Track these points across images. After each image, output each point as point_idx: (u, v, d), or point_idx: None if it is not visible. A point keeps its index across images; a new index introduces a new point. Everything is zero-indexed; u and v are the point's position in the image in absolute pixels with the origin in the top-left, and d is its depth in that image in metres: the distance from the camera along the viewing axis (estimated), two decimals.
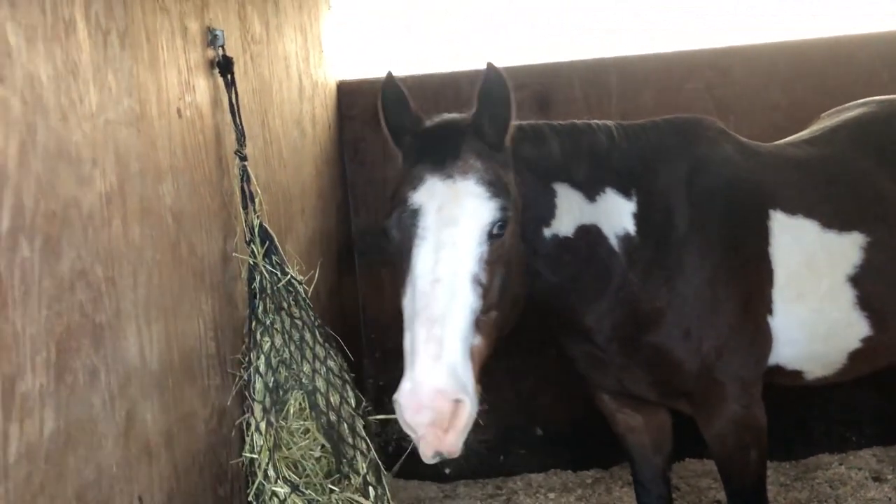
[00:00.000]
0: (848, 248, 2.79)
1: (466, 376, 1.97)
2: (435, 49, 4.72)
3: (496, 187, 2.15)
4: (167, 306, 2.03)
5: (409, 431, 1.99)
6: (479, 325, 2.05)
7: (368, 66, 4.65)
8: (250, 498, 2.41)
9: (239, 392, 2.47)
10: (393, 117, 2.34)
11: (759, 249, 2.70)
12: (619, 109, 4.47)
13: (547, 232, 2.47)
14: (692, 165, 2.70)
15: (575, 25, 4.71)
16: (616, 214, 2.59)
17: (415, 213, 2.13)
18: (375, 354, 4.62)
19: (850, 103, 3.34)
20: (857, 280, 2.77)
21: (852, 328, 2.80)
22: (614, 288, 2.58)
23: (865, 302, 2.77)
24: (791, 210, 2.76)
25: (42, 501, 1.44)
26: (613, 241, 2.58)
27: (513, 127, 2.27)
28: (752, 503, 2.88)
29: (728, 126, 3.01)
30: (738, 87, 4.47)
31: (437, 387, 1.91)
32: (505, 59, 4.62)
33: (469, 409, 1.94)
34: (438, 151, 2.19)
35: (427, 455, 2.00)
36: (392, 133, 2.35)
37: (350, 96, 4.54)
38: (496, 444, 4.64)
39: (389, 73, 2.34)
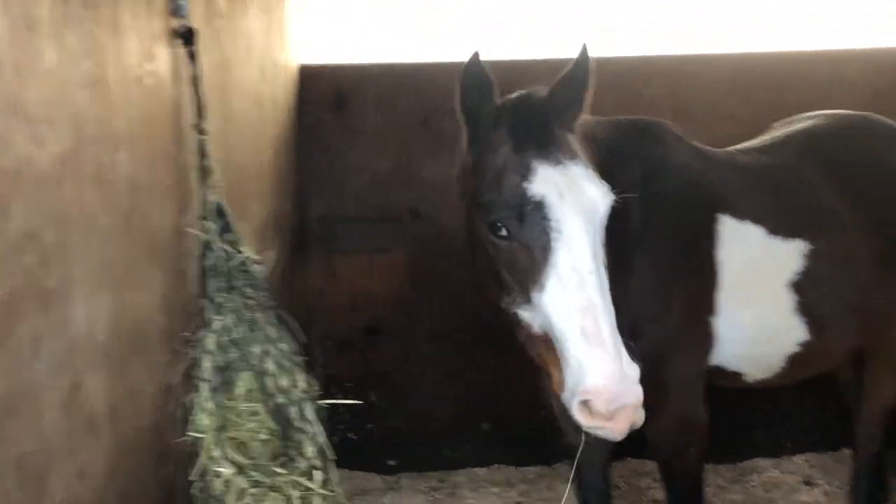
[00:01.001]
0: (791, 255, 2.86)
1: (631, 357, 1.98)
2: (401, 38, 4.70)
3: (592, 167, 2.15)
4: (118, 277, 1.98)
5: (597, 422, 1.96)
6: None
7: (331, 52, 4.61)
8: (193, 478, 2.36)
9: (187, 370, 2.42)
10: (471, 96, 2.23)
11: (708, 253, 2.76)
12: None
13: None
14: (647, 167, 2.73)
15: (545, 23, 4.73)
16: None
17: (540, 205, 2.05)
18: (327, 344, 4.58)
19: (800, 115, 3.43)
20: (797, 286, 2.85)
21: (791, 332, 2.88)
22: None
23: (804, 308, 2.85)
24: (740, 215, 2.82)
25: None
26: None
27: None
28: (689, 501, 2.94)
29: (685, 132, 3.06)
30: (697, 95, 4.55)
31: (629, 373, 1.93)
32: (466, 53, 4.65)
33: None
34: (538, 136, 2.13)
35: (618, 434, 2.00)
36: (469, 113, 2.26)
37: (312, 80, 4.49)
38: (442, 437, 4.65)
39: (476, 53, 2.21)
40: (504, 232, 2.07)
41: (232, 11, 3.09)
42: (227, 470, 2.31)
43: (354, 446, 4.57)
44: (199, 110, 2.50)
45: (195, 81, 2.47)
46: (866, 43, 4.70)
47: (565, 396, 1.97)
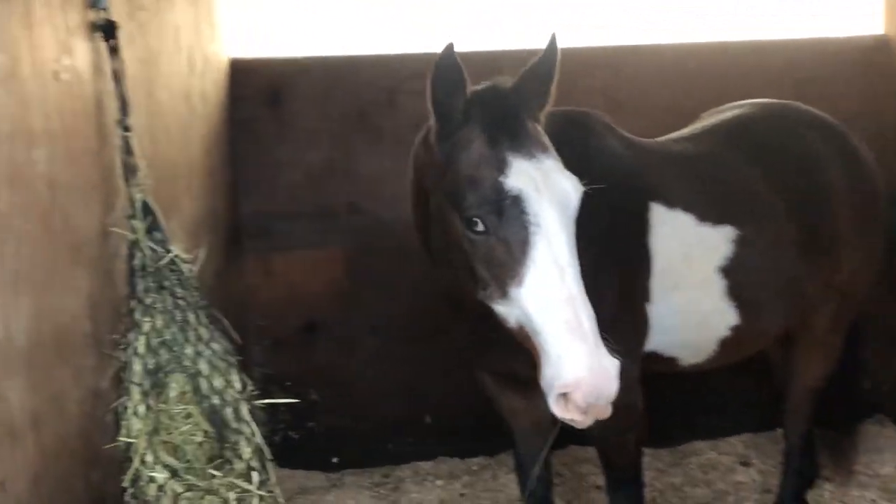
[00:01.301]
0: (720, 241, 2.93)
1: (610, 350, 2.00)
2: (338, 30, 4.64)
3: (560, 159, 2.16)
4: (38, 280, 1.90)
5: (573, 415, 1.99)
6: None
7: (262, 45, 4.53)
8: (126, 484, 2.30)
9: (116, 374, 2.36)
10: (443, 91, 2.19)
11: (640, 240, 2.81)
12: None
13: None
14: (579, 157, 2.75)
15: (483, 14, 4.73)
16: None
17: (518, 200, 2.04)
18: (264, 342, 4.51)
19: (728, 105, 3.51)
20: (727, 271, 2.92)
21: (722, 317, 2.95)
22: None
23: (734, 292, 2.93)
24: (670, 203, 2.88)
25: None
26: None
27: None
28: (630, 485, 2.99)
29: (619, 123, 3.10)
30: (630, 86, 4.61)
31: (608, 367, 1.96)
32: (403, 45, 4.63)
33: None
34: (510, 129, 2.13)
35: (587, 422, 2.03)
36: (440, 108, 2.22)
37: (243, 75, 4.40)
38: (385, 433, 4.63)
39: (450, 45, 2.18)
40: (481, 227, 2.06)
41: (157, 4, 3.01)
42: (160, 474, 2.26)
43: (296, 445, 4.52)
44: (123, 106, 2.43)
45: (117, 76, 2.39)
46: (788, 34, 4.84)
47: (543, 388, 1.98)
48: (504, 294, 2.05)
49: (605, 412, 2.01)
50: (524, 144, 2.11)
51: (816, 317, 3.31)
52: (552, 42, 2.24)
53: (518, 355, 2.75)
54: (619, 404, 2.76)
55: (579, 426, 2.04)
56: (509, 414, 3.10)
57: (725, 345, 3.02)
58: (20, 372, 1.81)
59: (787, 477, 3.62)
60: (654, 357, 2.93)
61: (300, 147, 4.46)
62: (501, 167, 2.07)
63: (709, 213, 2.93)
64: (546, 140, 2.19)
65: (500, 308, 2.09)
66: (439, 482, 4.39)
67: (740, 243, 2.95)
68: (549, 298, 1.98)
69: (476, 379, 3.10)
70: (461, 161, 2.15)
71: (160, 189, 2.83)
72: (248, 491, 2.34)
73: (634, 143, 2.99)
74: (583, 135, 2.82)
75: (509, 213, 2.03)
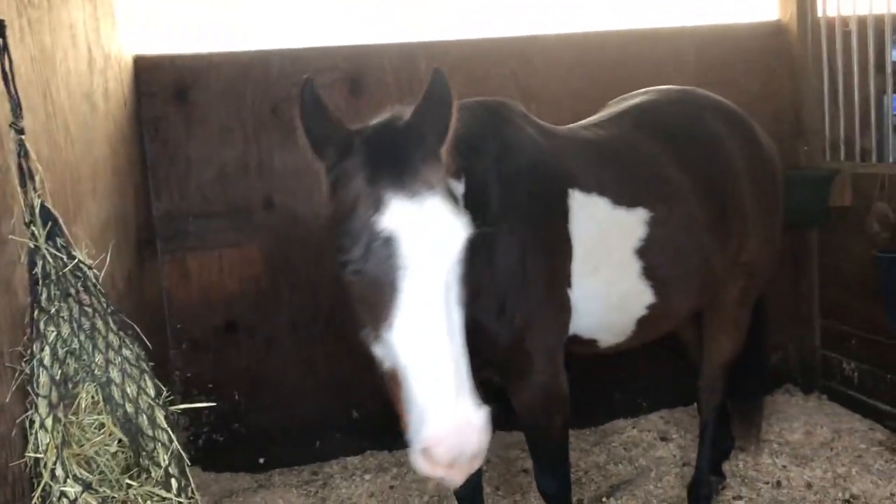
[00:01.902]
0: (634, 223, 3.01)
1: (476, 399, 1.88)
2: (246, 23, 4.55)
3: (453, 199, 2.04)
4: None
5: (438, 471, 1.85)
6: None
7: (168, 41, 4.40)
8: (35, 500, 2.21)
9: (20, 387, 2.25)
10: (314, 125, 2.14)
11: (561, 226, 2.86)
12: None
13: None
14: (500, 147, 2.79)
15: (389, 4, 4.70)
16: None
17: (389, 241, 1.94)
18: (182, 346, 4.42)
19: (633, 92, 3.61)
20: (642, 252, 3.01)
21: (639, 297, 3.04)
22: None
23: (650, 272, 3.02)
24: (587, 188, 2.94)
25: None
26: None
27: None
28: (556, 466, 3.05)
29: (530, 111, 3.13)
30: (542, 76, 4.69)
31: (472, 421, 1.83)
32: (314, 38, 4.57)
33: (481, 454, 1.87)
34: (393, 166, 2.00)
35: (458, 483, 1.91)
36: (314, 143, 2.15)
37: (149, 72, 4.28)
38: (312, 430, 4.60)
39: (308, 79, 2.14)
40: (354, 267, 1.98)
41: (49, 1, 2.88)
42: (72, 489, 2.18)
43: (221, 448, 4.46)
44: (15, 108, 2.32)
45: (6, 77, 2.28)
46: (696, 20, 4.99)
47: (408, 440, 1.90)
48: (377, 337, 1.98)
49: (473, 467, 1.89)
50: (406, 183, 1.98)
51: (725, 295, 3.44)
52: (437, 75, 2.11)
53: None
54: (545, 389, 2.83)
55: (449, 484, 1.93)
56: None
57: (643, 324, 3.10)
58: None
59: (703, 449, 3.75)
60: (576, 339, 2.99)
61: (211, 144, 4.37)
62: (377, 206, 1.97)
63: (622, 196, 3.00)
64: (438, 178, 2.05)
65: (376, 350, 2.02)
66: (368, 476, 4.40)
67: (654, 224, 3.03)
68: (413, 345, 1.89)
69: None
70: (339, 196, 2.07)
71: (62, 193, 2.73)
72: (167, 499, 2.28)
73: (549, 130, 3.03)
74: (500, 124, 2.84)
75: (380, 255, 1.95)
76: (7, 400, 2.19)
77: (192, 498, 2.41)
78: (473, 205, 2.62)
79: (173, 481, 2.36)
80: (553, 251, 2.83)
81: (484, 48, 4.68)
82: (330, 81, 4.46)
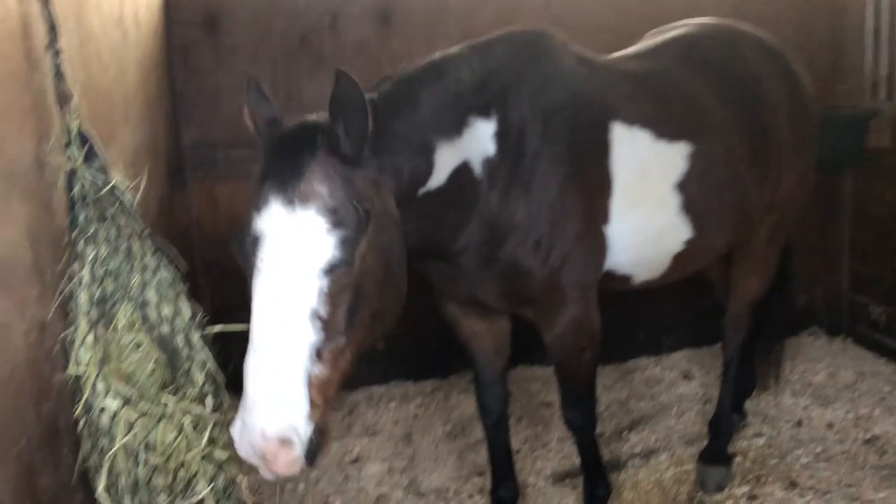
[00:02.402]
0: (675, 157, 2.96)
1: (297, 414, 1.94)
2: None
3: (339, 215, 1.99)
4: None
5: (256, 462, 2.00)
6: (321, 355, 1.98)
7: None
8: (78, 414, 2.30)
9: (61, 305, 2.32)
10: (257, 119, 2.23)
11: (601, 160, 2.80)
12: (460, 26, 4.48)
13: (421, 191, 2.39)
14: (540, 79, 2.73)
15: None
16: (481, 141, 2.56)
17: (255, 242, 2.01)
18: (212, 274, 4.48)
19: (670, 25, 3.53)
20: (682, 186, 2.96)
21: (677, 232, 3.01)
22: (478, 211, 2.60)
23: (689, 207, 2.98)
24: (628, 121, 2.87)
25: None
26: (478, 170, 2.56)
27: (370, 133, 2.08)
28: (584, 401, 3.10)
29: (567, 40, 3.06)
30: (572, 7, 4.59)
31: (263, 429, 1.91)
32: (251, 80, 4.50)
33: (296, 448, 1.93)
34: (284, 170, 2.02)
35: (267, 477, 2.02)
36: (259, 134, 2.24)
37: (178, 0, 4.25)
38: None
39: (251, 80, 2.27)
40: (237, 259, 2.12)
41: None
42: (112, 403, 2.26)
43: None
44: (51, 29, 2.33)
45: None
46: None
47: None
48: None
49: (283, 474, 1.98)
50: (287, 189, 1.99)
51: (756, 233, 3.42)
52: (341, 77, 2.00)
53: (480, 285, 2.81)
54: (577, 324, 2.85)
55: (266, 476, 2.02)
56: (471, 337, 3.17)
57: (678, 260, 3.08)
58: None
59: (725, 387, 3.79)
60: (610, 275, 2.97)
61: (240, 74, 4.35)
62: (259, 205, 2.03)
63: (664, 129, 2.94)
64: (326, 189, 2.00)
65: None
66: (393, 404, 4.50)
67: (694, 158, 2.98)
68: (251, 345, 1.99)
69: (441, 306, 3.14)
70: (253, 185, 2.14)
71: (96, 118, 2.75)
72: (201, 415, 2.35)
73: (590, 61, 2.95)
74: (539, 56, 2.77)
75: (249, 252, 2.03)
76: (49, 317, 2.25)
77: (226, 416, 2.48)
78: (509, 143, 2.62)
79: (209, 399, 2.43)
80: (592, 186, 2.78)
81: None
82: (359, 12, 4.41)
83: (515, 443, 3.64)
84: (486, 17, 4.49)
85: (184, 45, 4.29)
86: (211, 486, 2.38)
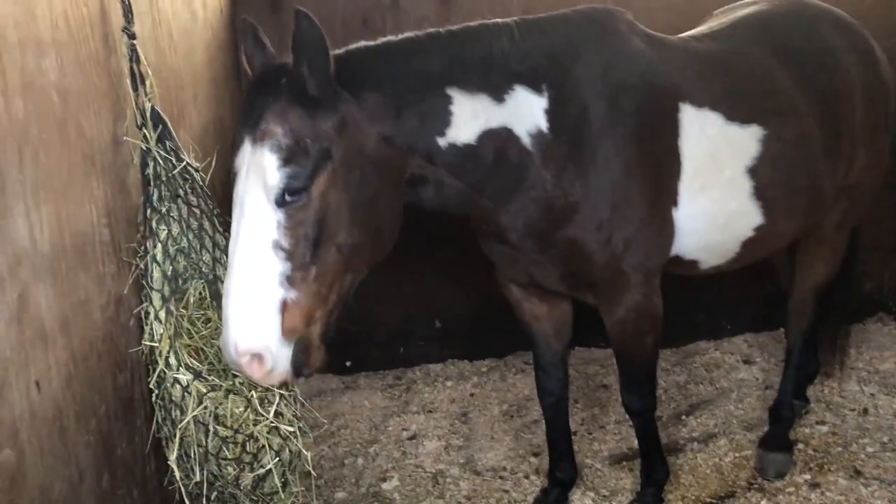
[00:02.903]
0: (748, 140, 2.89)
1: (267, 332, 2.13)
2: None
3: (292, 152, 2.14)
4: (56, 188, 1.93)
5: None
6: (292, 281, 2.15)
7: None
8: (152, 385, 2.39)
9: (136, 281, 2.41)
10: (255, 62, 2.40)
11: (670, 142, 2.75)
12: (521, 4, 4.43)
13: (442, 142, 2.43)
14: (606, 58, 2.68)
15: None
16: (528, 112, 2.55)
17: (233, 178, 2.23)
18: None
19: (741, 2, 3.44)
20: (754, 171, 2.89)
21: (747, 217, 2.94)
22: (527, 187, 2.59)
23: (760, 192, 2.91)
24: (699, 103, 2.81)
25: None
26: (526, 141, 2.55)
27: (333, 70, 2.21)
28: (644, 385, 3.07)
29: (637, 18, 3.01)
30: None
31: (236, 344, 2.12)
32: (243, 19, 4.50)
33: (268, 363, 2.15)
34: (250, 112, 2.20)
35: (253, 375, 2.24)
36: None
37: None
38: (396, 336, 4.75)
39: (245, 20, 2.49)
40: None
41: None
42: (184, 376, 2.34)
43: None
44: (127, 13, 2.40)
45: None
46: None
47: None
48: None
49: (269, 384, 2.25)
50: (252, 128, 2.17)
51: (827, 216, 3.32)
52: (299, 14, 2.18)
53: (539, 267, 2.81)
54: (640, 308, 2.83)
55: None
56: (532, 318, 3.17)
57: (748, 246, 3.01)
58: (46, 278, 1.85)
59: (788, 372, 3.72)
60: (677, 260, 2.92)
61: None
62: (237, 144, 2.23)
63: (736, 111, 2.87)
64: (281, 129, 2.16)
65: None
66: (449, 383, 4.54)
67: (767, 142, 2.90)
68: (228, 270, 2.19)
69: (503, 287, 3.15)
70: None
71: (167, 98, 2.82)
72: (269, 389, 2.42)
73: (659, 40, 2.89)
74: (603, 35, 2.73)
75: (232, 189, 2.23)
76: (125, 292, 2.34)
77: (292, 391, 2.55)
78: (566, 121, 2.59)
79: None
80: (659, 168, 2.73)
81: None
82: None
83: (572, 424, 3.63)
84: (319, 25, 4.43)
85: (248, 25, 4.34)
86: (277, 458, 2.46)
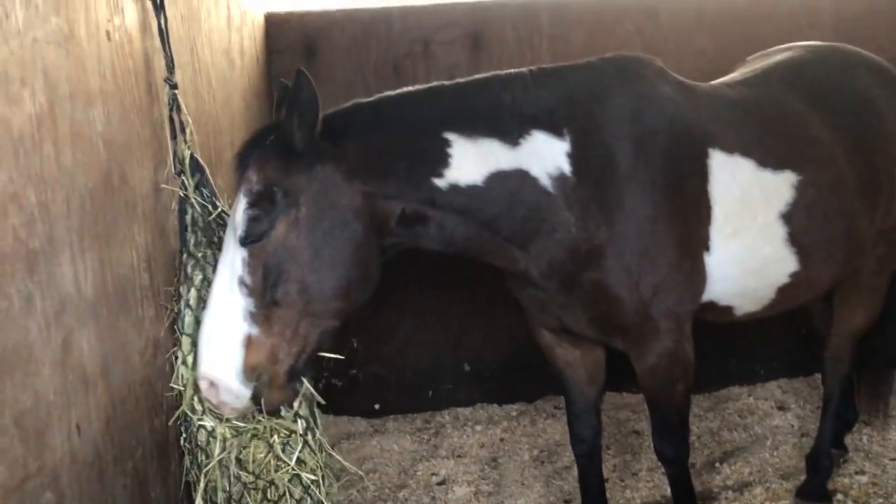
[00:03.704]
0: (781, 186, 2.87)
1: (225, 364, 2.27)
2: None
3: (260, 196, 2.31)
4: (100, 234, 1.98)
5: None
6: (255, 318, 2.29)
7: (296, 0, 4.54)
8: (179, 430, 2.41)
9: (171, 324, 2.45)
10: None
11: (699, 187, 2.74)
12: (551, 51, 4.50)
13: (441, 182, 2.48)
14: (633, 103, 2.70)
15: None
16: (548, 155, 2.57)
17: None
18: None
19: (775, 48, 3.45)
20: (788, 217, 2.87)
21: (782, 264, 2.91)
22: (548, 229, 2.59)
23: (795, 238, 2.88)
24: (729, 149, 2.81)
25: None
26: (546, 182, 2.57)
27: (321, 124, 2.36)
28: (676, 433, 3.01)
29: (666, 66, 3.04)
30: (666, 31, 4.55)
31: (201, 370, 2.28)
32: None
33: (222, 390, 2.28)
34: (240, 162, 2.41)
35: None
36: None
37: (278, 29, 4.43)
38: (425, 380, 4.74)
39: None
40: None
41: None
42: (208, 422, 2.36)
43: (339, 392, 4.65)
44: (169, 63, 2.47)
45: (161, 34, 2.43)
46: None
47: None
48: None
49: (229, 403, 2.33)
50: (242, 173, 2.38)
51: (865, 263, 3.28)
52: (300, 74, 2.29)
53: (567, 311, 2.80)
54: (670, 355, 2.79)
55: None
56: (564, 365, 3.14)
57: (783, 292, 2.98)
58: (89, 323, 1.89)
59: (826, 420, 3.64)
60: (711, 306, 2.89)
61: (337, 100, 4.41)
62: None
63: (769, 158, 2.86)
64: (255, 177, 2.33)
65: None
66: (479, 427, 4.50)
67: (801, 188, 2.88)
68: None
69: (534, 333, 3.14)
70: None
71: (205, 144, 2.89)
72: (293, 432, 2.43)
73: (689, 87, 2.91)
74: (631, 81, 2.76)
75: None
76: (161, 335, 2.38)
77: (317, 437, 2.54)
78: (591, 164, 2.61)
79: (300, 420, 2.49)
80: (688, 214, 2.72)
81: (607, 3, 4.58)
82: (450, 38, 4.49)
83: (604, 471, 3.59)
84: (578, 42, 4.50)
85: (283, 72, 4.44)
86: None
